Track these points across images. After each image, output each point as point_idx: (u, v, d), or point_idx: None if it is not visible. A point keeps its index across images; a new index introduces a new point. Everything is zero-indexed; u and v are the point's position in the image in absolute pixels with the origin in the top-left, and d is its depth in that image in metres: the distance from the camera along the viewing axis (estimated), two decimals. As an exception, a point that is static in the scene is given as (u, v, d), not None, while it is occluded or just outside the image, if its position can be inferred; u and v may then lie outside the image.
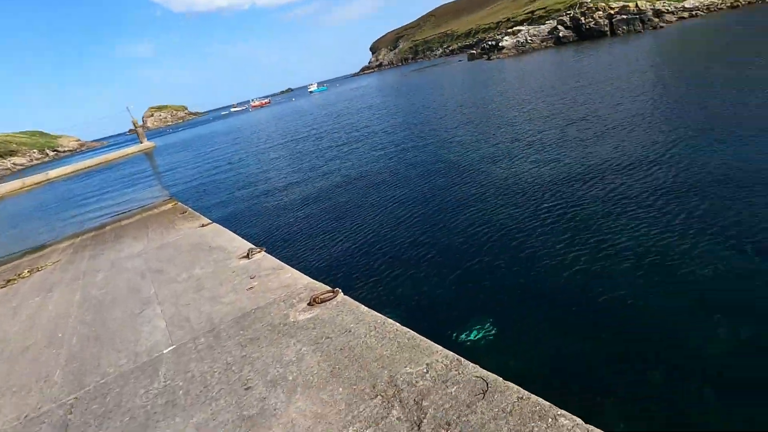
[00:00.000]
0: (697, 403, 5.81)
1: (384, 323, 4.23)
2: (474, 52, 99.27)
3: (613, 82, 28.09)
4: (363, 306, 4.70)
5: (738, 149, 13.26)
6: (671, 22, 64.16)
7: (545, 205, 12.33)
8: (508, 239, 10.85)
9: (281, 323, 4.74)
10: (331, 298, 5.04)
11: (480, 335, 7.91)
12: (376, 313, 4.51)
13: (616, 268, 8.79)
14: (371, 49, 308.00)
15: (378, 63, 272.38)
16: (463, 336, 7.88)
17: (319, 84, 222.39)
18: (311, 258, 12.34)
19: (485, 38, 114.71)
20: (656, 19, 64.29)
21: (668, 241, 9.27)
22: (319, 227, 14.67)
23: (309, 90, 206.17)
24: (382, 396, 3.19)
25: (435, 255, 10.93)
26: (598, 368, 6.67)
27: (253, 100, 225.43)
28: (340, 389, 3.40)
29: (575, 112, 22.76)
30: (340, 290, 5.23)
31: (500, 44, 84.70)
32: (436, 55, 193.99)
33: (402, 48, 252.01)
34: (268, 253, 7.60)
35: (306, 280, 5.87)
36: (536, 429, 2.55)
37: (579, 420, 2.58)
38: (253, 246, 8.03)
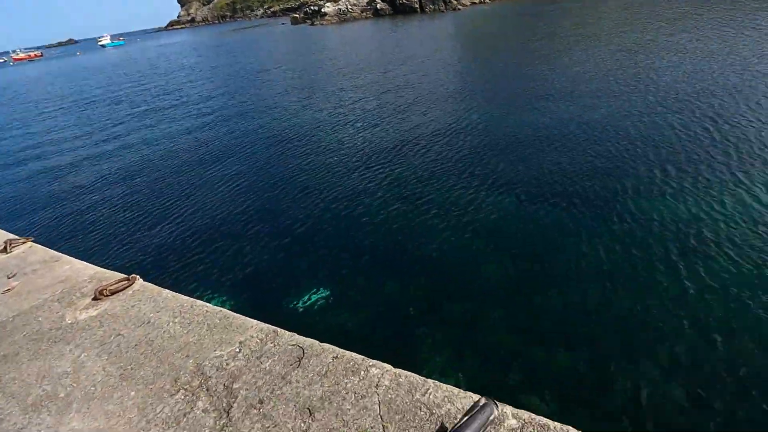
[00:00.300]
0: (490, 332, 6.96)
1: (192, 307, 3.72)
2: (297, 16, 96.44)
3: (423, 56, 30.81)
4: (167, 291, 4.04)
5: (522, 116, 16.12)
6: (466, 5, 74.15)
7: (365, 169, 12.92)
8: (330, 204, 11.04)
9: (53, 328, 3.74)
10: (126, 287, 4.21)
11: (312, 300, 7.92)
12: (183, 296, 3.93)
13: (428, 224, 9.83)
14: (180, 0, 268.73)
15: (190, 18, 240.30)
16: (293, 304, 7.76)
17: (114, 37, 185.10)
18: (101, 244, 10.39)
19: (308, 2, 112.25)
20: (455, 2, 73.53)
21: (470, 197, 10.75)
22: (115, 208, 12.40)
23: (100, 43, 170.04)
24: (186, 389, 2.78)
25: (257, 227, 10.41)
26: (412, 316, 7.39)
27: (15, 51, 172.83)
28: (132, 393, 2.84)
29: (392, 81, 24.26)
30: (138, 276, 4.41)
31: (323, 10, 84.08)
32: (257, 15, 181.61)
33: (218, 3, 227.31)
34: (38, 243, 5.97)
35: (92, 270, 4.78)
36: (349, 384, 2.55)
37: (388, 366, 2.68)
38: (15, 236, 6.20)
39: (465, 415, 1.20)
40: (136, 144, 18.44)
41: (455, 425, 1.22)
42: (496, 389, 6.00)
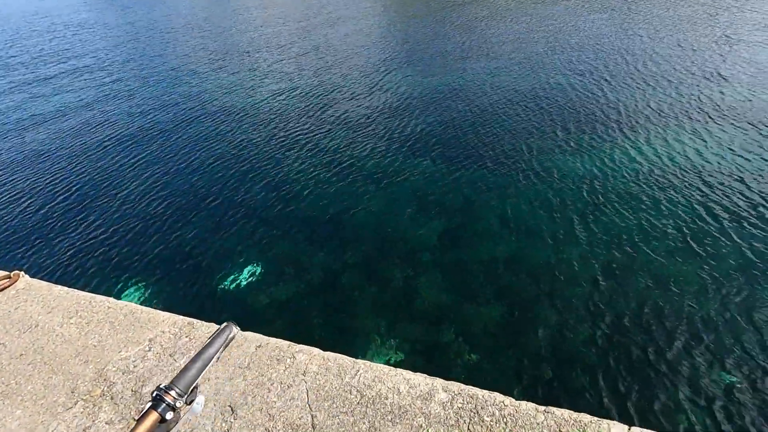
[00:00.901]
0: (423, 294, 7.12)
1: (91, 303, 3.27)
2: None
3: (348, 17, 29.55)
4: (59, 287, 3.52)
5: (439, 78, 16.15)
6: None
7: (283, 135, 12.33)
8: (248, 174, 10.45)
9: None
10: (7, 287, 3.60)
11: (237, 281, 7.54)
12: (79, 292, 3.45)
13: (353, 190, 9.68)
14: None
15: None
16: (215, 288, 7.34)
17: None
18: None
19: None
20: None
21: (392, 161, 10.70)
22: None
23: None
24: (85, 400, 2.45)
25: (164, 205, 9.59)
26: (345, 286, 7.34)
27: None
28: (18, 412, 2.45)
29: (313, 43, 23.09)
30: (23, 272, 3.80)
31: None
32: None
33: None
34: None
35: (-38, 269, 4.03)
36: (274, 374, 2.39)
37: (316, 350, 2.55)
38: None
39: (212, 335, 1.30)
40: (16, 120, 15.89)
41: (205, 343, 1.28)
42: (432, 348, 6.22)
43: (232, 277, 7.49)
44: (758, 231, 7.42)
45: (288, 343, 2.62)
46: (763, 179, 8.73)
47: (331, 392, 2.24)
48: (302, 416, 2.14)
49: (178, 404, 1.21)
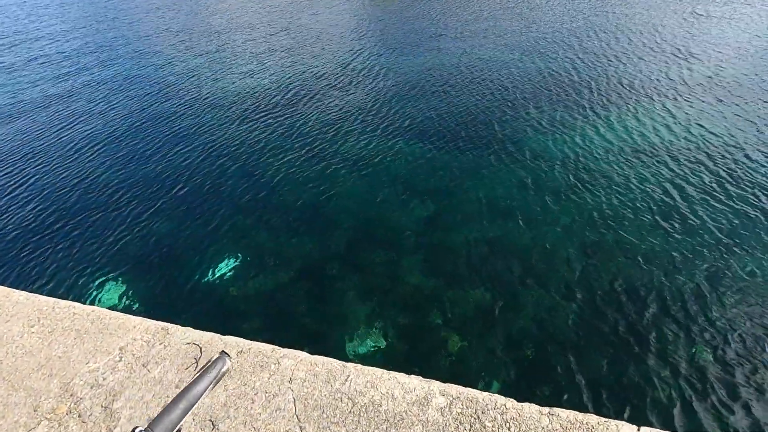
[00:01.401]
0: (407, 279, 7.02)
1: (54, 309, 3.02)
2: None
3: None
4: (18, 292, 3.24)
5: (414, 58, 15.79)
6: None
7: (257, 119, 11.90)
8: (221, 160, 10.04)
9: None
10: (-41, 294, 3.29)
11: (215, 275, 7.28)
12: (41, 297, 3.18)
13: (331, 174, 9.43)
14: None
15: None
16: (192, 285, 7.06)
17: None
18: None
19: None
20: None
21: (370, 143, 10.46)
22: None
23: None
24: (49, 419, 2.23)
25: (132, 195, 9.11)
26: (330, 275, 7.17)
27: None
28: (-26, 436, 2.22)
29: (283, 22, 22.26)
30: (-23, 277, 3.49)
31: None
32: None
33: None
34: None
35: None
36: (258, 382, 2.22)
37: (303, 354, 2.38)
38: None
39: (200, 369, 1.15)
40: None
41: (188, 382, 1.12)
42: (418, 333, 6.15)
43: (207, 271, 7.21)
44: (725, 207, 7.55)
45: (272, 347, 2.44)
46: (729, 155, 8.87)
47: (320, 401, 2.08)
48: (290, 428, 1.98)
49: None
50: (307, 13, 22.97)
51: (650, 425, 1.79)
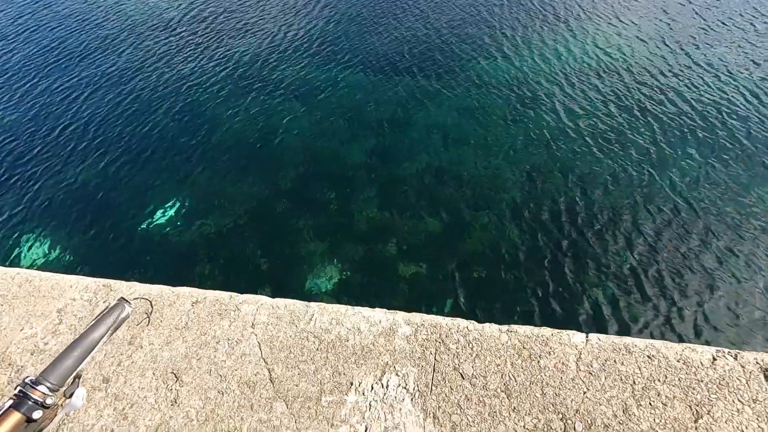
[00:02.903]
0: (361, 212, 7.00)
1: (-29, 275, 2.68)
2: None
3: None
4: None
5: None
6: None
7: (198, 49, 10.71)
8: (156, 95, 9.09)
9: None
10: None
11: (159, 220, 6.86)
12: (-49, 263, 2.80)
13: (282, 107, 8.87)
14: None
15: None
16: (134, 233, 6.62)
17: None
18: None
19: None
20: None
21: (322, 75, 9.83)
22: None
23: None
24: (-11, 392, 2.06)
25: (58, 138, 8.14)
26: (283, 212, 6.99)
27: None
28: None
29: None
30: None
31: None
32: None
33: None
34: None
35: None
36: (219, 331, 2.15)
37: (263, 298, 2.32)
38: None
39: (96, 317, 1.16)
40: None
41: (89, 324, 1.15)
42: (375, 265, 6.28)
43: (147, 219, 6.75)
44: (654, 125, 8.03)
45: (229, 294, 2.35)
46: (661, 74, 9.28)
47: (286, 342, 2.06)
48: (258, 372, 1.97)
49: (49, 401, 0.98)
50: None
51: (596, 332, 1.95)
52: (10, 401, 0.95)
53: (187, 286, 2.47)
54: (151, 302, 2.34)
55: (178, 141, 8.01)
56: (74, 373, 1.07)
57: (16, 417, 0.94)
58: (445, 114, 8.62)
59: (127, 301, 1.24)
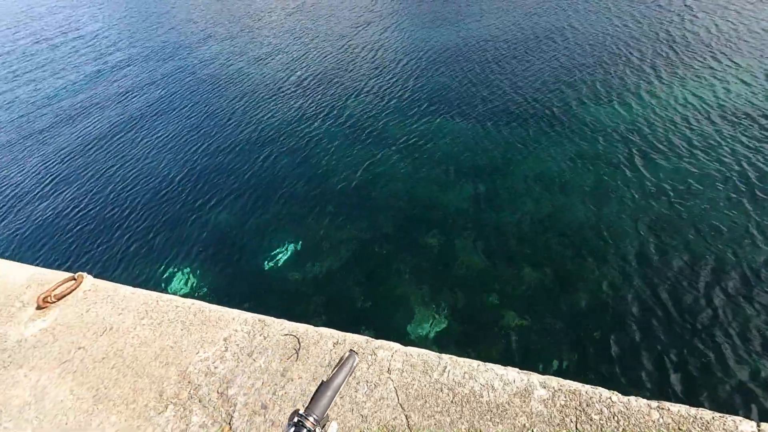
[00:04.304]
0: (460, 259, 7.01)
1: (158, 303, 3.30)
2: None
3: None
4: (124, 287, 3.57)
5: (451, 34, 15.21)
6: None
7: (304, 104, 12.01)
8: (268, 147, 10.30)
9: (-4, 351, 3.23)
10: (74, 289, 3.67)
11: (285, 256, 7.60)
12: (144, 291, 3.48)
13: (383, 157, 9.44)
14: None
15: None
16: (269, 265, 7.42)
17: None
18: (27, 238, 9.14)
19: None
20: None
21: (419, 125, 10.32)
22: (26, 195, 10.75)
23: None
24: (175, 403, 2.49)
25: (201, 191, 9.56)
26: (384, 256, 7.30)
27: None
28: (113, 417, 2.52)
29: (311, 9, 22.02)
30: (86, 274, 3.86)
31: None
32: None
33: None
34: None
35: (28, 270, 4.15)
36: (358, 372, 2.35)
37: (396, 345, 2.49)
38: None
39: (335, 366, 1.44)
40: (37, 115, 16.01)
41: (329, 375, 1.43)
42: (477, 313, 6.18)
43: (269, 259, 7.53)
44: None
45: (365, 338, 2.56)
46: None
47: (421, 391, 2.18)
48: (396, 416, 2.10)
49: (316, 430, 1.30)
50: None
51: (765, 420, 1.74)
52: (293, 427, 1.28)
53: (298, 321, 2.77)
54: (298, 339, 2.65)
55: (295, 189, 8.94)
56: (326, 412, 1.37)
57: None
58: (547, 160, 8.42)
59: (355, 352, 1.53)
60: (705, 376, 4.89)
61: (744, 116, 8.47)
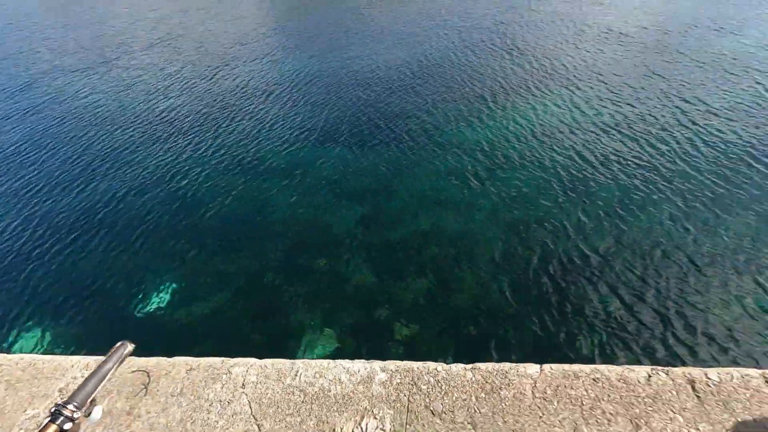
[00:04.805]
0: (350, 278, 7.23)
1: (-24, 364, 2.84)
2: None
3: (221, 13, 27.66)
4: (-73, 354, 3.00)
5: (334, 63, 15.97)
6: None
7: (179, 137, 11.46)
8: (144, 181, 9.60)
9: None
10: None
11: (155, 302, 7.00)
12: (-44, 354, 2.97)
13: (264, 186, 9.39)
14: None
15: None
16: (131, 314, 6.74)
17: None
18: None
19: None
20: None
21: (300, 152, 10.51)
22: None
23: None
24: (-6, 473, 2.17)
25: (48, 226, 8.45)
26: (273, 284, 7.20)
27: None
28: None
29: (187, 37, 21.32)
30: None
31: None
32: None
33: None
34: None
35: None
36: (211, 394, 2.33)
37: (253, 360, 2.53)
38: None
39: (107, 356, 1.52)
40: None
41: (101, 361, 1.51)
42: (368, 330, 6.40)
43: (146, 300, 6.89)
44: (623, 176, 8.69)
45: (221, 359, 2.55)
46: (625, 130, 10.19)
47: (273, 398, 2.25)
48: (248, 428, 2.14)
49: (76, 416, 1.33)
50: (216, 29, 22.13)
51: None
52: (48, 417, 1.30)
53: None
54: (148, 373, 2.53)
55: (169, 225, 8.36)
56: (91, 397, 1.41)
57: (53, 428, 1.28)
58: (423, 179, 9.21)
59: (131, 342, 1.59)
60: (543, 344, 5.74)
61: (556, 131, 10.30)
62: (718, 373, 1.96)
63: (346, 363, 2.36)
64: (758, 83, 11.17)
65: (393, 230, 8.00)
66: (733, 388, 1.89)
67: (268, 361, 2.48)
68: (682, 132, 9.69)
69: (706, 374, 1.96)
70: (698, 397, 1.88)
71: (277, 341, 6.34)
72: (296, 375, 2.35)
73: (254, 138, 11.09)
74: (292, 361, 2.46)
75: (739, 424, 1.74)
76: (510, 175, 9.00)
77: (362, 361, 2.37)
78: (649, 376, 2.00)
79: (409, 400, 2.10)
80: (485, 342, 6.00)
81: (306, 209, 8.64)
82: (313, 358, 6.16)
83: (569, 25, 17.19)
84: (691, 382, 1.95)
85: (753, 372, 1.93)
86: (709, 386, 1.91)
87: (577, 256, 6.98)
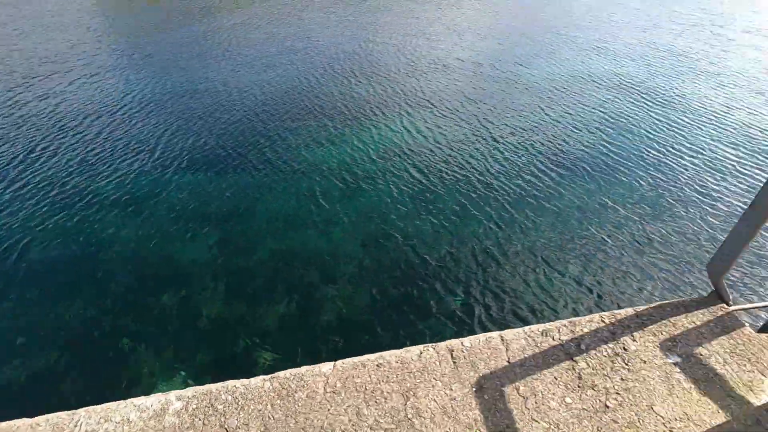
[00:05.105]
0: (203, 311, 6.76)
1: None
2: None
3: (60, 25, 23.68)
4: None
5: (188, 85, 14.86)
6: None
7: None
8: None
9: None
10: None
11: None
12: None
13: (91, 215, 8.26)
14: None
15: None
16: None
17: None
18: None
19: None
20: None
21: (151, 179, 9.53)
22: None
23: None
24: None
25: None
26: (110, 330, 6.36)
27: None
28: None
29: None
30: None
31: None
32: None
33: None
34: None
35: None
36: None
37: (21, 422, 2.19)
38: None
39: None
40: None
41: None
42: (227, 363, 6.02)
43: None
44: (457, 191, 9.95)
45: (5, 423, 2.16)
46: (458, 151, 11.69)
47: (46, 458, 2.00)
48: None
49: None
50: (53, 43, 18.64)
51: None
52: None
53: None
54: None
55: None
56: None
57: None
58: (278, 200, 9.13)
59: None
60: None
61: (394, 151, 11.33)
62: (470, 340, 2.40)
63: (137, 400, 2.21)
64: (541, 108, 13.97)
65: (251, 255, 7.74)
66: (480, 349, 2.34)
67: (39, 418, 2.18)
68: (490, 147, 11.56)
69: (462, 342, 2.38)
70: (455, 362, 2.28)
71: (117, 393, 5.53)
72: (76, 425, 2.12)
73: (86, 167, 9.62)
74: (73, 411, 2.21)
75: (480, 378, 2.17)
76: (360, 192, 9.52)
77: (157, 394, 2.26)
78: (421, 353, 2.35)
79: (203, 423, 2.07)
80: (355, 352, 6.16)
81: (155, 241, 7.81)
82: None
83: (402, 56, 19.11)
84: (451, 351, 2.35)
85: (494, 334, 2.43)
86: (463, 352, 2.33)
87: (418, 263, 7.71)
